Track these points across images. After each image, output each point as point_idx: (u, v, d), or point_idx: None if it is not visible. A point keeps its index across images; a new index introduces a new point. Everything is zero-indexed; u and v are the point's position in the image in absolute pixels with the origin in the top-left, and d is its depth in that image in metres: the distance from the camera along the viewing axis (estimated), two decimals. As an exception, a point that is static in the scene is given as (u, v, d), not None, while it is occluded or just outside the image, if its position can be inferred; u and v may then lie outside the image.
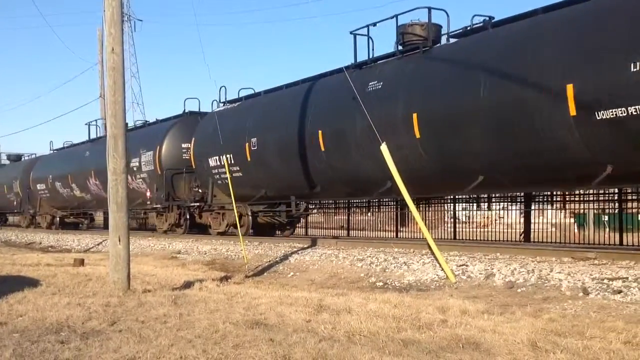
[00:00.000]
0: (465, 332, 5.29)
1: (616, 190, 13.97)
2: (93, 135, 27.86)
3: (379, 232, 21.17)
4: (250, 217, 17.74)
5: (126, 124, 8.51)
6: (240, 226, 16.26)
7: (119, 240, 8.04)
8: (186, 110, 21.45)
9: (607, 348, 4.70)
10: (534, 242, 14.96)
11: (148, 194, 21.40)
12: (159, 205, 21.23)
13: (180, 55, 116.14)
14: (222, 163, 17.19)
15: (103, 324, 5.94)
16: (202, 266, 12.77)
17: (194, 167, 19.21)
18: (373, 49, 13.85)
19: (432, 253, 9.86)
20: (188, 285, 8.72)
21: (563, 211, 19.67)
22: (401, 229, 20.24)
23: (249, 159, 16.49)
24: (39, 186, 31.21)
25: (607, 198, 15.26)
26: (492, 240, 16.72)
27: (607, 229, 17.06)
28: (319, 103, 14.67)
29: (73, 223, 31.81)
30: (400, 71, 12.78)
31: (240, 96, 18.70)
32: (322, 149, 14.19)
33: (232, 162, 16.98)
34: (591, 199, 15.68)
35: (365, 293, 8.00)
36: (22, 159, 38.85)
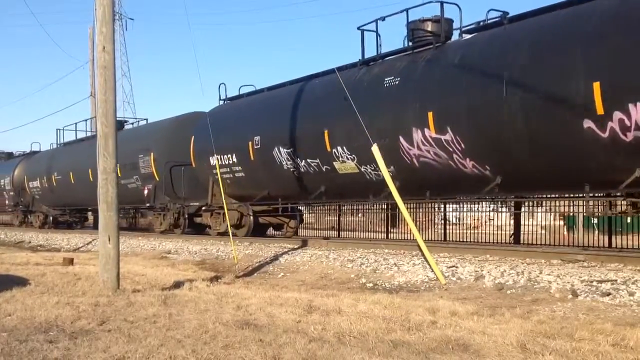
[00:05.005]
0: (454, 334, 5.30)
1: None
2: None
3: (369, 233, 21.18)
4: None
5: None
6: None
7: (109, 240, 8.02)
8: None
9: (596, 350, 4.72)
10: (523, 244, 15.00)
11: None
12: None
13: (172, 54, 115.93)
14: None
15: (92, 323, 5.91)
16: (192, 266, 12.74)
17: None
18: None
19: (423, 254, 9.88)
20: (178, 285, 8.70)
21: (552, 213, 19.77)
22: (392, 230, 20.26)
23: None
24: (212, 160, 16.81)
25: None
26: (482, 242, 16.75)
27: (597, 231, 17.14)
28: None
29: (272, 225, 19.02)
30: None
31: None
32: None
33: None
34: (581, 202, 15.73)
35: (355, 294, 7.99)
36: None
